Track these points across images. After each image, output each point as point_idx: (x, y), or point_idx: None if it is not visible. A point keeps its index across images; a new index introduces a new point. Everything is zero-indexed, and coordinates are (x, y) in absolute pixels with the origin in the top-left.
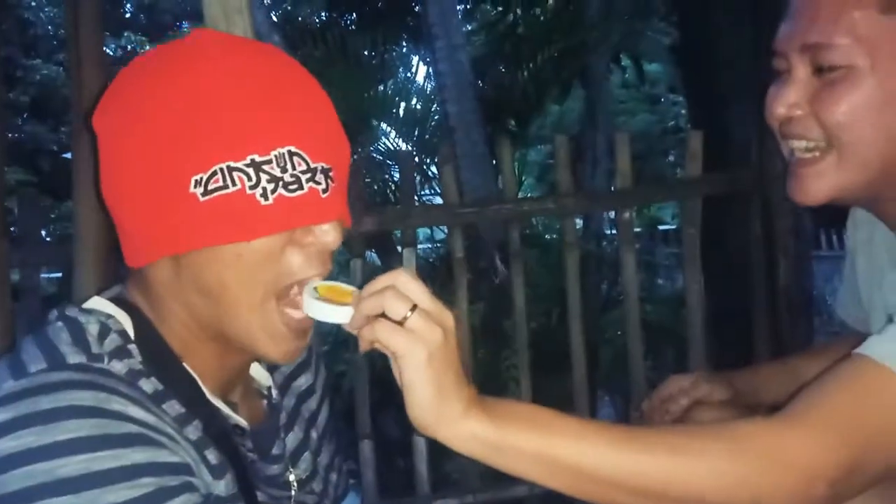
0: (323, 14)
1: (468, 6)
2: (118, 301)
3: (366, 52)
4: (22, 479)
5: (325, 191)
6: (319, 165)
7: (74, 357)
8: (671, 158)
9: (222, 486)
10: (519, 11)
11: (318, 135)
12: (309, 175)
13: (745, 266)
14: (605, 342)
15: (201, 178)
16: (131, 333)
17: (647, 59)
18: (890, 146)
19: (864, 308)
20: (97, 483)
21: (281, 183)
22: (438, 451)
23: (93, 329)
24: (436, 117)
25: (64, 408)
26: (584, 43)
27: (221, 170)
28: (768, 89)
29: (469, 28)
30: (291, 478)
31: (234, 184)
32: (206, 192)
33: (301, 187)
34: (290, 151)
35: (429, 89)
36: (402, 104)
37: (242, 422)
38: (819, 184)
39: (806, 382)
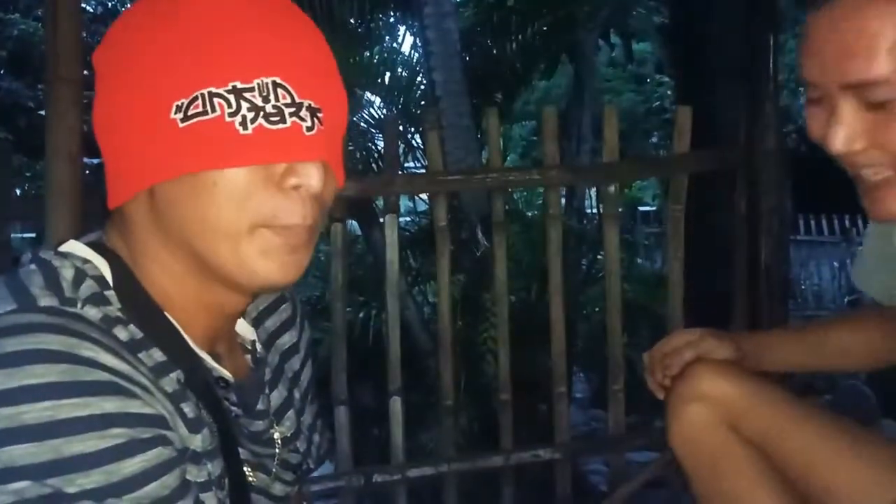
0: None
1: None
2: (96, 246)
3: (352, 20)
4: None
5: (309, 128)
6: (306, 102)
7: (45, 300)
8: (654, 139)
9: (198, 441)
10: None
11: (308, 71)
12: (293, 110)
13: (727, 245)
14: (584, 318)
15: (182, 104)
16: (109, 280)
17: (636, 38)
18: None
19: None
20: (63, 432)
21: (262, 113)
22: (414, 420)
23: (67, 273)
24: (421, 87)
25: (31, 351)
26: (573, 17)
27: (202, 95)
28: (806, 111)
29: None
30: (276, 435)
31: (213, 110)
32: (185, 118)
33: (283, 120)
34: (274, 82)
35: (415, 59)
36: (388, 73)
37: (227, 374)
38: None
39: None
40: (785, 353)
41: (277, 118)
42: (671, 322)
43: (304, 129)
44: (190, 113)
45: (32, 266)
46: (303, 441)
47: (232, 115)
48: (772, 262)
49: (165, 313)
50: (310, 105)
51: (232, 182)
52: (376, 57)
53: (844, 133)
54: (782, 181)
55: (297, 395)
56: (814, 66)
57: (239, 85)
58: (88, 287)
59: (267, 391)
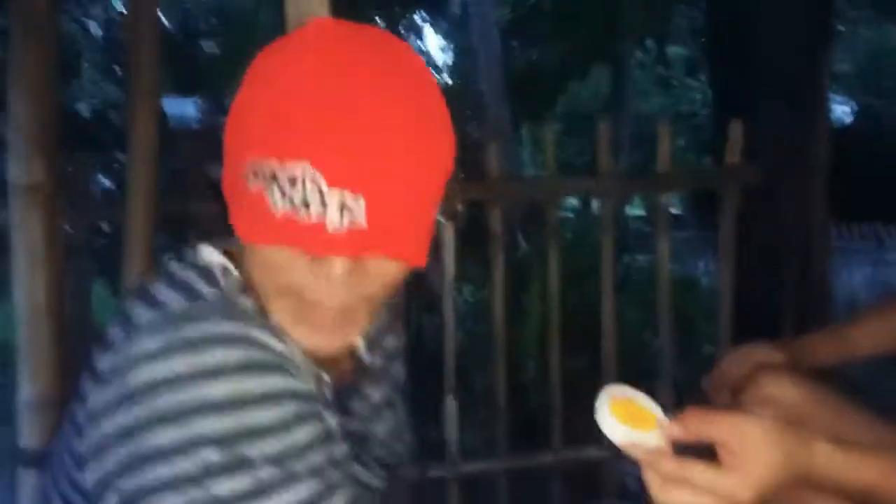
0: None
1: None
2: (225, 252)
3: (377, 19)
4: (172, 402)
5: (340, 225)
6: (337, 193)
7: (209, 291)
8: (682, 143)
9: (332, 422)
10: None
11: (354, 157)
12: (319, 200)
13: (775, 257)
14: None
15: (252, 165)
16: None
17: (669, 42)
18: None
19: None
20: (243, 405)
21: (289, 201)
22: (467, 417)
23: (217, 269)
24: (460, 90)
25: (209, 335)
26: (613, 26)
27: (257, 164)
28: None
29: None
30: (375, 432)
31: (257, 182)
32: (250, 178)
33: (308, 211)
34: (303, 168)
35: (443, 62)
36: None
37: (325, 376)
38: None
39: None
40: (824, 353)
41: (303, 207)
42: (722, 334)
43: (328, 226)
44: (252, 177)
45: (180, 265)
46: (396, 439)
47: (268, 193)
48: (823, 276)
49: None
50: (343, 198)
51: (268, 255)
52: None
53: None
54: (829, 196)
55: (398, 397)
56: None
57: (275, 165)
58: (236, 281)
59: (368, 391)
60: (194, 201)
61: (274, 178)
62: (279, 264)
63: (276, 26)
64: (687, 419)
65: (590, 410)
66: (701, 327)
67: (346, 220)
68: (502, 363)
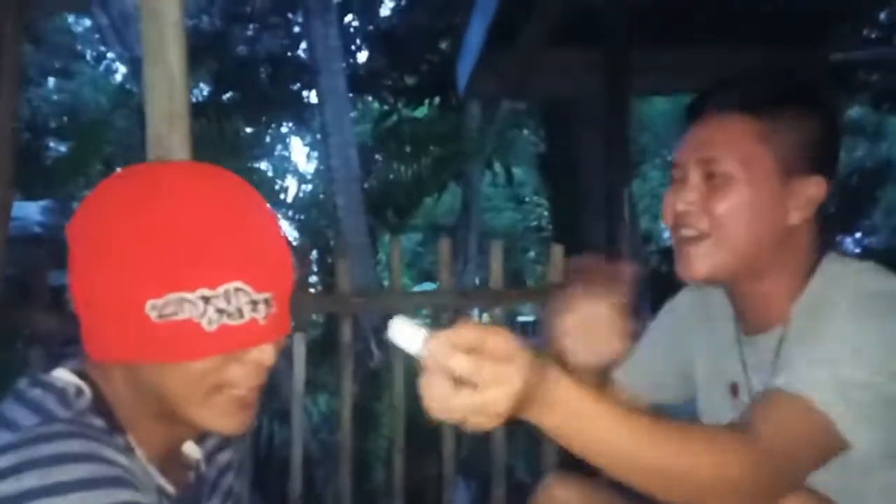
0: (204, 89)
1: (351, 94)
2: (79, 374)
3: (248, 129)
4: None
5: (264, 318)
6: (262, 297)
7: (62, 412)
8: (531, 255)
9: None
10: (402, 112)
11: (265, 267)
12: (251, 306)
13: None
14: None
15: (156, 304)
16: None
17: (516, 164)
18: (754, 240)
19: (677, 376)
20: None
21: (225, 314)
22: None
23: (70, 390)
24: (319, 201)
25: (62, 454)
26: (463, 150)
27: (174, 299)
28: (665, 194)
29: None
30: None
31: (183, 312)
32: (159, 316)
33: (242, 316)
34: (236, 287)
35: (310, 172)
36: (289, 190)
37: (169, 488)
38: (702, 262)
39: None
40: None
41: (237, 316)
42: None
43: (260, 320)
44: (163, 312)
45: (37, 389)
46: None
47: (199, 317)
48: None
49: (128, 435)
50: (265, 298)
51: (200, 367)
52: (270, 169)
53: (689, 195)
54: (660, 298)
55: None
56: (684, 149)
57: (207, 293)
58: (87, 402)
59: (204, 503)
60: (33, 310)
61: (206, 302)
62: (211, 371)
63: (131, 129)
64: (460, 327)
65: None
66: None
67: (267, 313)
68: (349, 470)
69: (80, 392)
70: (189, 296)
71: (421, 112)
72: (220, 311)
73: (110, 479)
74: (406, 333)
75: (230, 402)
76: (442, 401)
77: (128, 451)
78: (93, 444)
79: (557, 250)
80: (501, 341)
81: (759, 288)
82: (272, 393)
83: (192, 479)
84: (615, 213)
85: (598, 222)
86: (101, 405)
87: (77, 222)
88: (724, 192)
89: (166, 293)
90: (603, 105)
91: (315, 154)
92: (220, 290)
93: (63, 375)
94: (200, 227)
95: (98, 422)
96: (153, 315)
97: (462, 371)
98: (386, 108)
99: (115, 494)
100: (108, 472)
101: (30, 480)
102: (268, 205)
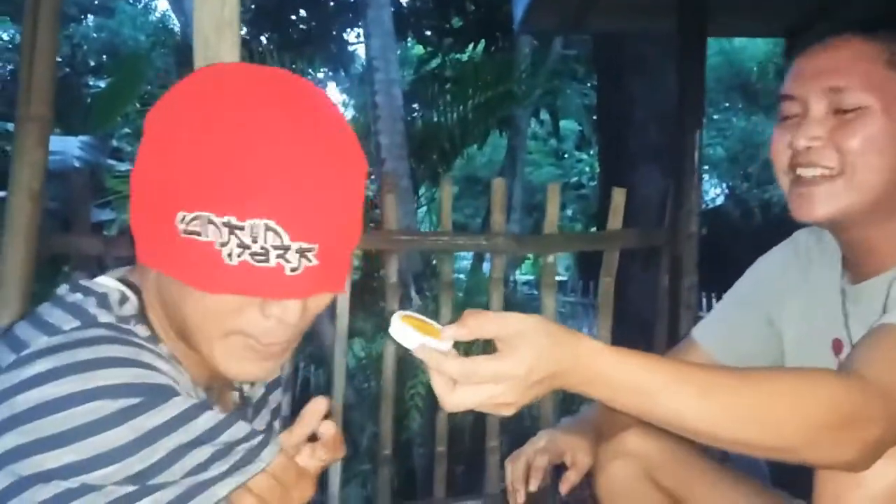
0: (244, 29)
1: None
2: (123, 281)
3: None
4: (64, 422)
5: (295, 269)
6: (297, 245)
7: (104, 317)
8: (569, 212)
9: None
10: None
11: (311, 213)
12: (280, 251)
13: (649, 317)
14: None
15: (185, 216)
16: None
17: (562, 116)
18: (890, 178)
19: (758, 340)
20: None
21: (248, 252)
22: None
23: (114, 297)
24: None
25: (102, 358)
26: (511, 94)
27: (201, 217)
28: (776, 130)
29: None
30: None
31: (206, 234)
32: (185, 231)
33: (268, 260)
34: (266, 225)
35: (351, 117)
36: None
37: (212, 405)
38: (829, 203)
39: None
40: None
41: (262, 258)
42: None
43: (288, 270)
44: (189, 228)
45: (78, 293)
46: None
47: (222, 245)
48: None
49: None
50: (301, 247)
51: (218, 302)
52: None
53: (814, 129)
54: (699, 261)
55: (276, 426)
56: (802, 80)
57: (234, 221)
58: (132, 308)
59: (250, 420)
60: (75, 241)
61: (232, 232)
62: (229, 310)
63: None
64: (465, 320)
65: (472, 464)
66: None
67: (302, 266)
68: (390, 414)
69: (124, 299)
70: (216, 219)
71: (465, 56)
72: (243, 247)
73: (154, 385)
74: (406, 333)
75: (247, 348)
76: (446, 397)
77: (172, 359)
78: (133, 349)
79: (619, 194)
80: (504, 329)
81: (879, 230)
82: (309, 336)
83: (237, 400)
84: (684, 165)
85: (654, 175)
86: (146, 313)
87: (151, 112)
88: (859, 125)
89: (196, 209)
90: (675, 46)
91: (351, 101)
92: (247, 223)
93: (106, 282)
94: (252, 151)
95: (142, 329)
96: (181, 227)
97: (454, 376)
98: (430, 49)
99: (158, 399)
100: (150, 378)
101: (68, 385)
102: (359, 154)
